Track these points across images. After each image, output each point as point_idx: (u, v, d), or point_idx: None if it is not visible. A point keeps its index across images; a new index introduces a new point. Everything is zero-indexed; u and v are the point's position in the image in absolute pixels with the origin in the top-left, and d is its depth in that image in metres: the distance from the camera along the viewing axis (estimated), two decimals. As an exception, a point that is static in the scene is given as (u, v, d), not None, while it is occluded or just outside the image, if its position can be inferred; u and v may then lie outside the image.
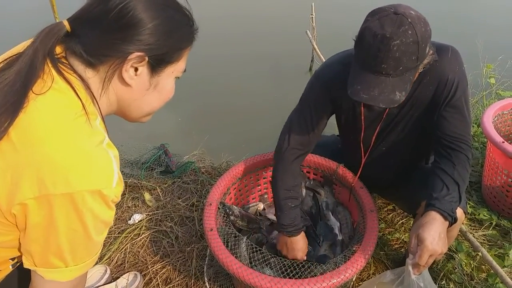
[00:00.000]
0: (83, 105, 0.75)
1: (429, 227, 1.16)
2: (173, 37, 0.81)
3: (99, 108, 0.81)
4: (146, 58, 0.78)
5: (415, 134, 1.45)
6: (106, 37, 0.76)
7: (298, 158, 1.54)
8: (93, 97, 0.79)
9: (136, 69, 0.79)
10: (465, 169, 1.28)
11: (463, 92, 1.31)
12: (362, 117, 1.43)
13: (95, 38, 0.76)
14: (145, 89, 0.83)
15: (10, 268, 0.89)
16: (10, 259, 0.86)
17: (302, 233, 1.53)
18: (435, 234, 1.15)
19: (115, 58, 0.77)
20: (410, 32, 1.10)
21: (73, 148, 0.70)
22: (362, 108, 1.42)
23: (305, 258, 1.52)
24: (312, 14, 4.36)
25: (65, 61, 0.78)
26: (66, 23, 0.78)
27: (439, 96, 1.31)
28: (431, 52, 1.21)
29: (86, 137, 0.73)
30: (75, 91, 0.75)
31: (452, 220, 1.20)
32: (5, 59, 0.78)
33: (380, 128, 1.46)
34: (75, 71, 0.78)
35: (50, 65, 0.76)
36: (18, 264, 0.88)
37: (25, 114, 0.71)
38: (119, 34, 0.76)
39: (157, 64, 0.81)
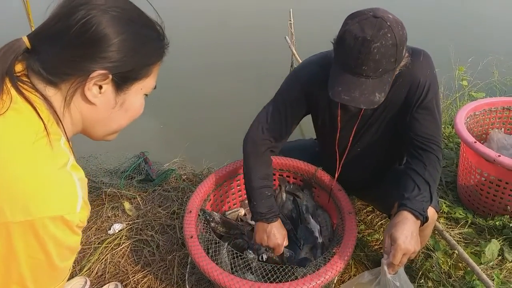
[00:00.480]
0: (44, 126, 0.70)
1: (402, 226, 1.19)
2: (139, 54, 0.77)
3: (63, 128, 0.77)
4: (110, 76, 0.74)
5: (389, 135, 1.49)
6: (66, 55, 0.72)
7: (270, 150, 1.55)
8: (56, 116, 0.75)
9: (100, 87, 0.76)
10: (435, 169, 1.32)
11: (434, 94, 1.35)
12: (339, 118, 1.46)
13: (55, 56, 0.73)
14: (110, 107, 0.79)
15: None
16: None
17: (279, 220, 1.52)
18: (407, 233, 1.17)
19: (76, 77, 0.73)
20: (389, 35, 1.13)
21: (32, 172, 0.66)
22: (339, 109, 1.44)
23: (286, 244, 1.51)
24: (290, 20, 4.42)
25: (26, 79, 0.74)
26: (25, 39, 0.74)
27: (411, 98, 1.35)
28: (407, 54, 1.25)
29: (47, 160, 0.69)
30: (36, 111, 0.71)
31: (423, 219, 1.23)
32: None
33: (356, 130, 1.49)
34: (36, 90, 0.73)
35: (9, 84, 0.71)
36: None
37: None
38: (80, 51, 0.72)
39: (122, 81, 0.77)
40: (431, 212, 1.34)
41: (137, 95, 0.82)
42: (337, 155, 1.54)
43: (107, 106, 0.79)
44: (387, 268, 1.19)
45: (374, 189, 1.66)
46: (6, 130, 0.68)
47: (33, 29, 0.82)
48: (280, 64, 4.77)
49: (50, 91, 0.74)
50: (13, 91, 0.71)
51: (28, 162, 0.67)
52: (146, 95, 0.85)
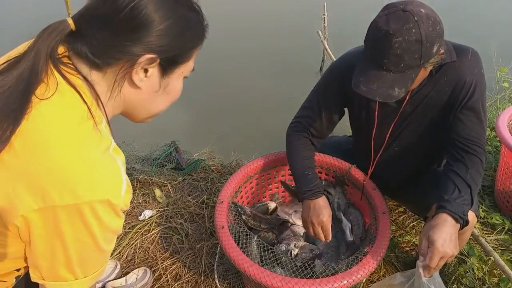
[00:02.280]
0: (89, 109, 0.71)
1: (440, 229, 1.15)
2: (185, 37, 0.78)
3: (105, 111, 0.78)
4: (158, 60, 0.75)
5: (429, 136, 1.44)
6: (116, 39, 0.72)
7: (309, 138, 1.59)
8: (98, 99, 0.75)
9: (146, 71, 0.76)
10: (478, 172, 1.27)
11: (481, 95, 1.30)
12: (376, 113, 1.43)
13: (104, 40, 0.72)
14: (154, 91, 0.80)
15: (14, 282, 0.85)
16: (15, 270, 0.83)
17: (324, 197, 1.52)
18: (446, 236, 1.14)
19: (125, 61, 0.73)
20: (414, 30, 1.10)
21: (79, 156, 0.67)
22: (377, 103, 1.41)
23: (330, 224, 1.48)
24: (324, 14, 4.35)
25: (68, 62, 0.74)
26: (70, 21, 0.73)
27: (456, 98, 1.30)
28: (441, 51, 1.20)
29: (92, 144, 0.69)
30: (80, 94, 0.71)
31: (463, 222, 1.19)
32: (5, 62, 0.73)
33: (394, 127, 1.45)
34: (79, 72, 0.73)
35: (52, 67, 0.71)
36: (21, 277, 0.86)
37: (28, 122, 0.67)
38: (130, 36, 0.71)
39: (168, 65, 0.78)
40: (471, 216, 1.29)
41: (179, 78, 0.83)
42: (372, 151, 1.51)
43: (151, 89, 0.79)
44: (422, 271, 1.16)
45: (410, 190, 1.61)
46: (52, 114, 0.68)
47: (69, 10, 0.82)
48: (312, 59, 4.72)
49: (94, 75, 0.75)
50: (56, 75, 0.71)
51: (74, 145, 0.67)
52: (186, 77, 0.86)
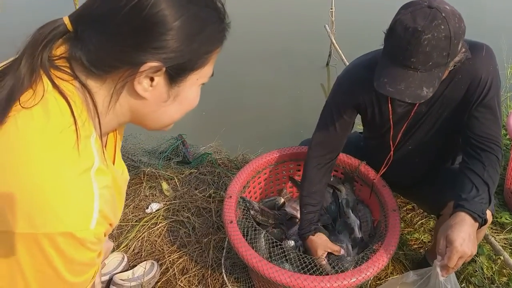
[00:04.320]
0: (75, 121, 0.61)
1: (459, 228, 1.13)
2: (197, 41, 0.65)
3: (100, 123, 0.68)
4: (164, 68, 0.64)
5: (443, 134, 1.42)
6: (113, 44, 0.62)
7: (319, 165, 1.56)
8: (93, 109, 0.66)
9: (151, 79, 0.65)
10: (495, 170, 1.25)
11: (496, 92, 1.28)
12: (390, 115, 1.40)
13: (99, 45, 0.62)
14: (162, 101, 0.69)
15: None
16: None
17: (316, 235, 1.53)
18: (464, 235, 1.12)
19: (124, 70, 0.63)
20: (443, 27, 1.07)
21: (45, 179, 0.57)
22: (390, 105, 1.39)
23: (340, 252, 1.51)
24: (332, 8, 4.31)
25: (64, 65, 0.65)
26: (67, 20, 0.64)
27: (471, 96, 1.28)
28: (463, 50, 1.18)
29: (66, 165, 0.59)
30: (69, 103, 0.62)
31: (482, 221, 1.18)
32: (2, 66, 0.66)
33: (408, 126, 1.43)
34: (75, 78, 0.64)
35: (42, 72, 0.63)
36: None
37: (0, 132, 0.59)
38: (130, 41, 0.61)
39: (177, 74, 0.66)
40: (488, 214, 1.27)
41: (192, 86, 0.71)
42: (392, 151, 1.49)
43: (159, 100, 0.69)
44: (440, 270, 1.15)
45: (423, 187, 1.59)
46: (27, 127, 0.60)
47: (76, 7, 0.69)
48: (319, 53, 4.68)
49: (92, 83, 0.65)
50: (45, 80, 0.63)
51: (42, 167, 0.58)
52: (203, 84, 0.74)
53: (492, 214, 1.36)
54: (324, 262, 1.46)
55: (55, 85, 0.63)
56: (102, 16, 0.62)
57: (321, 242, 1.51)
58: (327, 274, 1.39)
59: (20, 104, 0.60)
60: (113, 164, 0.80)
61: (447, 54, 1.11)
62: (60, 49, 0.65)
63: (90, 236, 0.60)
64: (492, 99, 1.28)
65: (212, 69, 0.74)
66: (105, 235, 0.65)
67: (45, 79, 0.63)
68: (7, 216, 0.57)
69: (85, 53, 0.63)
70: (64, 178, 0.59)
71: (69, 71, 0.64)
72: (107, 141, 0.80)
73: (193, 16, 0.64)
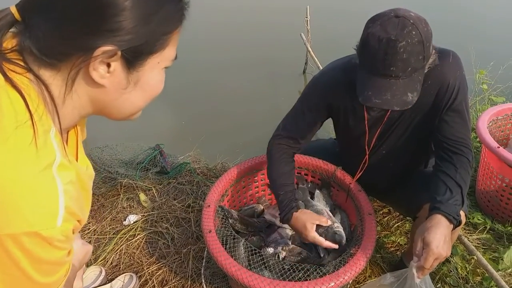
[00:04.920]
0: (31, 116, 0.58)
1: (435, 230, 1.17)
2: (153, 21, 0.62)
3: (58, 116, 0.64)
4: (119, 52, 0.60)
5: (416, 138, 1.46)
6: (62, 30, 0.58)
7: (284, 149, 1.57)
8: (52, 102, 0.62)
9: (108, 65, 0.61)
10: (466, 172, 1.30)
11: (464, 96, 1.33)
12: (366, 121, 1.44)
13: (48, 32, 0.58)
14: (122, 88, 0.65)
15: None
16: None
17: (299, 211, 1.49)
18: (440, 237, 1.16)
19: (77, 56, 0.59)
20: (414, 32, 1.11)
21: (3, 177, 0.55)
22: (366, 112, 1.42)
23: (313, 232, 1.44)
24: (307, 17, 4.38)
25: (16, 57, 0.61)
26: (14, 9, 0.60)
27: (441, 101, 1.33)
28: (434, 51, 1.23)
29: (25, 162, 0.56)
30: (23, 97, 0.59)
31: (456, 223, 1.21)
32: None
33: (381, 131, 1.47)
34: (29, 70, 0.60)
35: None
36: None
37: None
38: (79, 24, 0.58)
39: (134, 58, 0.62)
40: (462, 215, 1.31)
41: (153, 70, 0.67)
42: (367, 156, 1.52)
43: (118, 86, 0.65)
44: (416, 272, 1.18)
45: (398, 191, 1.63)
46: None
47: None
48: (296, 61, 4.74)
49: (45, 73, 0.61)
50: None
51: (0, 163, 0.55)
52: (167, 67, 0.70)
53: (466, 215, 1.40)
54: (317, 236, 1.44)
55: (7, 78, 0.59)
56: (48, 1, 0.58)
57: (307, 217, 1.47)
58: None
59: None
60: (76, 161, 0.76)
61: (422, 58, 1.15)
62: (11, 42, 0.62)
63: (57, 234, 0.58)
64: (460, 103, 1.33)
65: (175, 51, 0.70)
66: (73, 232, 0.63)
67: None
68: None
69: (34, 42, 0.59)
70: (25, 176, 0.56)
71: (21, 63, 0.61)
72: (68, 138, 0.76)
73: None
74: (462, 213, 1.31)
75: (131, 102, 0.68)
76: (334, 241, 1.45)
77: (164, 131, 3.41)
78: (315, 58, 3.92)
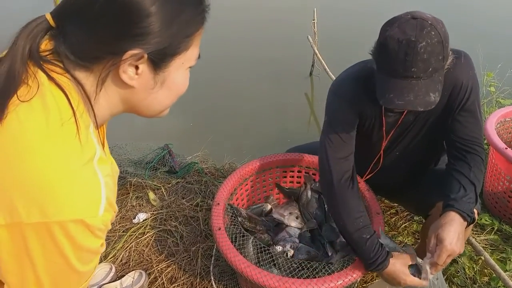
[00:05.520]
0: (73, 113, 0.63)
1: (449, 227, 1.19)
2: (176, 25, 0.66)
3: (94, 113, 0.69)
4: (146, 55, 0.65)
5: (429, 139, 1.47)
6: (94, 35, 0.64)
7: (351, 182, 1.42)
8: (87, 100, 0.68)
9: (136, 67, 0.67)
10: (480, 170, 1.31)
11: (476, 96, 1.34)
12: (384, 127, 1.44)
13: (82, 38, 0.64)
14: (150, 88, 0.70)
15: None
16: None
17: (394, 258, 1.32)
18: (454, 234, 1.17)
19: (108, 59, 0.65)
20: (433, 33, 1.12)
21: (53, 169, 0.59)
22: (383, 117, 1.41)
23: (409, 277, 1.30)
24: (314, 20, 4.40)
25: (55, 60, 0.66)
26: (49, 17, 0.66)
27: (454, 101, 1.34)
28: (450, 52, 1.23)
29: (72, 155, 0.62)
30: (66, 95, 0.64)
31: (470, 220, 1.23)
32: None
33: (395, 134, 1.47)
34: (67, 71, 0.66)
35: (34, 67, 0.64)
36: None
37: (2, 128, 0.60)
38: (109, 31, 0.63)
39: (159, 60, 0.67)
40: (475, 213, 1.32)
41: (178, 70, 0.72)
42: (381, 159, 1.53)
43: (146, 87, 0.70)
44: (429, 268, 1.19)
45: (409, 190, 1.64)
46: (30, 119, 0.61)
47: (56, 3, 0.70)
48: (302, 62, 4.76)
49: (80, 74, 0.67)
50: (40, 74, 0.64)
51: (49, 156, 0.60)
52: (191, 67, 0.75)
53: (478, 213, 1.41)
54: (412, 277, 1.30)
55: (50, 78, 0.64)
56: (79, 10, 0.63)
57: (405, 267, 1.31)
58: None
59: (18, 98, 0.62)
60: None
61: (442, 58, 1.15)
62: (48, 45, 0.67)
63: (99, 223, 0.62)
64: (473, 103, 1.34)
65: (198, 51, 0.74)
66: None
67: (39, 73, 0.64)
68: (17, 208, 0.58)
69: (68, 47, 0.65)
70: (71, 168, 0.61)
71: (60, 64, 0.66)
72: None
73: (169, 0, 0.65)
74: (475, 210, 1.32)
75: (159, 101, 0.73)
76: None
77: (173, 132, 3.44)
78: (322, 61, 3.94)
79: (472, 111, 1.33)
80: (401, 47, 1.12)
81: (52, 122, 0.62)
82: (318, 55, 4.19)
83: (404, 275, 1.29)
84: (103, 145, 0.82)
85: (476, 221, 1.31)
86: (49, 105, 0.62)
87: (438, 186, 1.35)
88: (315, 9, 4.35)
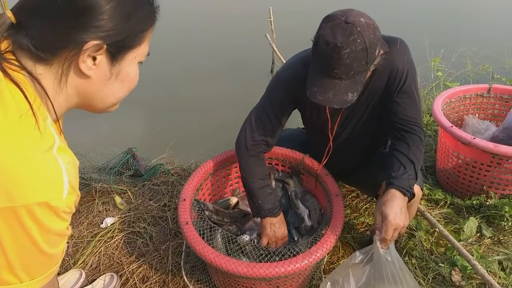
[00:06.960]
0: (30, 106, 0.67)
1: (391, 204, 1.27)
2: (132, 20, 0.73)
3: (53, 106, 0.73)
4: (105, 46, 0.70)
5: (373, 121, 1.57)
6: (57, 27, 0.68)
7: (262, 151, 1.66)
8: (45, 95, 0.71)
9: (94, 58, 0.71)
10: (419, 149, 1.41)
11: (413, 78, 1.44)
12: (327, 110, 1.53)
13: (44, 30, 0.68)
14: (106, 79, 0.76)
15: None
16: None
17: (281, 214, 1.65)
18: (396, 209, 1.26)
19: (69, 50, 0.69)
20: (359, 40, 1.19)
21: (16, 156, 0.63)
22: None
23: (286, 235, 1.64)
24: (270, 18, 4.49)
25: (11, 57, 0.69)
26: (10, 13, 0.69)
27: (392, 84, 1.44)
28: (381, 52, 1.31)
29: (32, 144, 0.65)
30: (22, 90, 0.67)
31: (410, 195, 1.32)
32: None
33: (342, 117, 1.57)
34: (23, 68, 0.69)
35: None
36: None
37: None
38: (71, 22, 0.67)
39: (117, 51, 0.73)
40: (416, 189, 1.42)
41: (131, 64, 0.78)
42: (331, 142, 1.62)
43: (102, 78, 0.75)
44: (379, 244, 1.27)
45: (361, 172, 1.74)
46: None
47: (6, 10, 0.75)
48: (262, 63, 4.84)
49: (40, 69, 0.70)
50: None
51: (11, 145, 0.63)
52: (141, 63, 0.82)
53: (421, 189, 1.51)
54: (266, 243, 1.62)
55: (6, 74, 0.67)
56: (43, 4, 0.67)
57: (284, 222, 1.65)
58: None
59: None
60: None
61: (365, 63, 1.24)
62: (3, 44, 0.70)
63: (63, 205, 0.66)
64: (409, 86, 1.44)
65: (148, 48, 0.82)
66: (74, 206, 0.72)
67: None
68: None
69: (30, 39, 0.68)
70: (33, 155, 0.64)
71: (16, 62, 0.69)
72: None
73: None
74: (416, 186, 1.42)
75: (112, 92, 0.79)
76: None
77: (136, 138, 3.42)
78: (281, 57, 4.02)
79: (409, 93, 1.43)
80: (328, 50, 1.21)
81: (11, 115, 0.65)
82: (277, 52, 4.28)
83: (284, 228, 1.62)
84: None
85: (417, 196, 1.41)
86: (6, 99, 0.66)
87: (383, 167, 1.44)
88: (270, 8, 4.44)
